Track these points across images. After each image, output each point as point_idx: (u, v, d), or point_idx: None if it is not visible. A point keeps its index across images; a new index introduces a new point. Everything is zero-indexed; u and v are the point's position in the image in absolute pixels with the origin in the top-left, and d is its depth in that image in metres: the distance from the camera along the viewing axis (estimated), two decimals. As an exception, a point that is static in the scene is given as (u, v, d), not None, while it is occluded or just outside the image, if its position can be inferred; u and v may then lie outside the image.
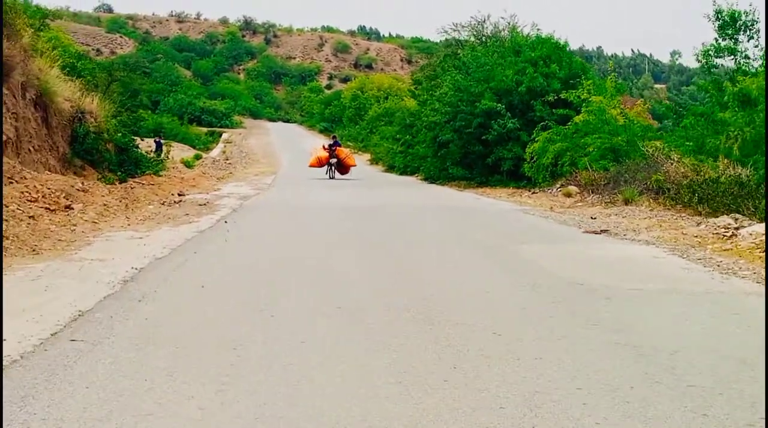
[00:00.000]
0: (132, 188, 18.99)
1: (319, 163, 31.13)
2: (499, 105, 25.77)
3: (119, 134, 24.21)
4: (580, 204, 18.58)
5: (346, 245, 10.40)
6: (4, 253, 8.65)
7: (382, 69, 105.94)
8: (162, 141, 39.72)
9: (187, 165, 36.79)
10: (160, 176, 26.16)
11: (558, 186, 22.80)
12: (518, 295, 7.02)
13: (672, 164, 17.76)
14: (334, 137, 33.26)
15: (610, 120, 22.78)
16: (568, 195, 20.97)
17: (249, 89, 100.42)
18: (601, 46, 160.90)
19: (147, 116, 64.63)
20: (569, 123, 23.60)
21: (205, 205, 16.61)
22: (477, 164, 28.35)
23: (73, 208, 12.61)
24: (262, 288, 7.22)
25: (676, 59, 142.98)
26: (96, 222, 11.93)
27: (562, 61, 26.63)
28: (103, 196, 14.64)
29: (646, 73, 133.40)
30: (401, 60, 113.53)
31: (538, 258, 9.23)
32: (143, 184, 21.05)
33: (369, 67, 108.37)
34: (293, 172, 35.96)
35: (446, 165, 28.80)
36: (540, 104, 25.53)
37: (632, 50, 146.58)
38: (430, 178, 30.42)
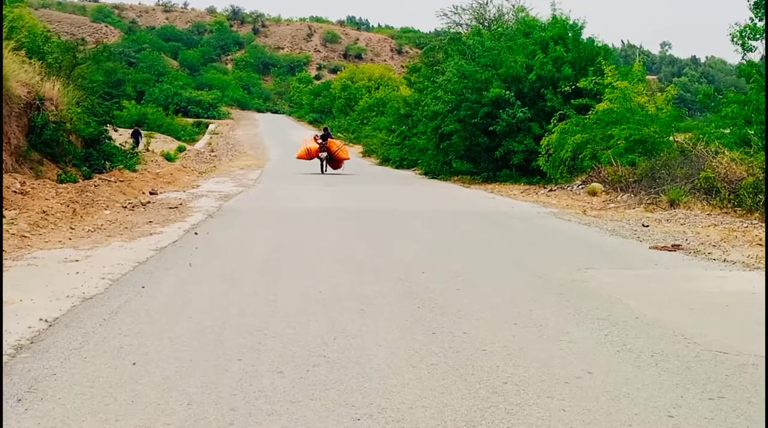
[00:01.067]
0: (95, 187, 16.12)
1: (308, 155, 28.18)
2: (508, 92, 23.00)
3: (85, 124, 21.43)
4: (612, 205, 15.85)
5: (354, 286, 6.87)
6: None
7: (372, 59, 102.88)
8: (141, 132, 36.73)
9: (168, 158, 33.90)
10: (134, 171, 23.42)
11: (578, 183, 20.09)
12: (645, 378, 4.27)
13: (721, 159, 15.06)
14: (325, 129, 30.32)
15: (636, 109, 20.04)
16: (593, 193, 18.26)
17: (237, 80, 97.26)
18: (592, 36, 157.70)
19: (130, 106, 61.98)
20: (590, 112, 20.85)
21: (177, 208, 13.80)
22: (482, 157, 25.66)
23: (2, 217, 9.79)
24: (232, 368, 4.44)
25: (666, 50, 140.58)
26: (26, 237, 9.10)
27: (574, 43, 23.84)
28: (48, 199, 11.78)
29: (638, 63, 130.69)
30: (391, 50, 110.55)
31: (624, 296, 6.49)
32: (110, 181, 18.19)
33: (359, 57, 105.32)
34: (281, 166, 33.10)
35: (449, 158, 26.04)
36: (551, 93, 22.77)
37: (622, 41, 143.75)
38: (431, 173, 27.66)
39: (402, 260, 8.50)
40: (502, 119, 23.01)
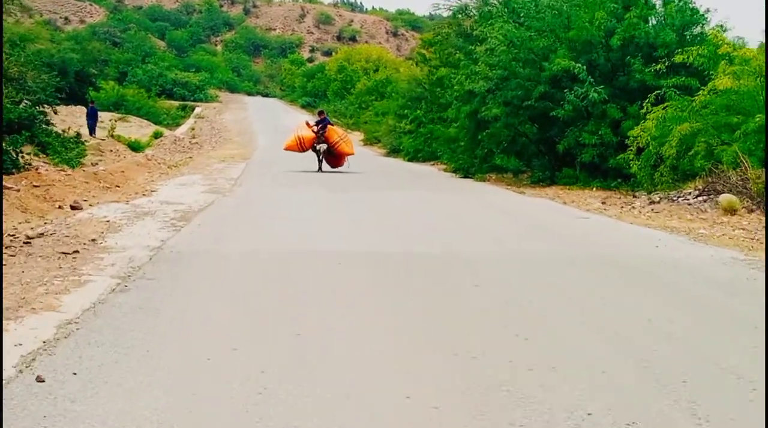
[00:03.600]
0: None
1: (299, 146, 21.36)
2: (578, 65, 16.53)
3: (12, 103, 15.39)
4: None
5: None
6: None
7: (366, 41, 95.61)
8: (97, 110, 30.01)
9: (134, 147, 27.30)
10: (74, 167, 17.05)
11: (692, 191, 13.72)
12: None
13: None
14: (321, 113, 23.39)
15: (773, 87, 13.65)
16: (730, 210, 11.94)
17: (226, 61, 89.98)
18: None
19: (108, 88, 55.17)
20: (699, 93, 14.46)
21: (76, 253, 7.32)
22: (528, 151, 19.30)
23: None
24: None
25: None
26: None
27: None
28: None
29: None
30: (387, 32, 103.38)
31: None
32: (14, 188, 11.73)
33: (353, 39, 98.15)
34: (270, 157, 26.46)
35: (487, 152, 19.60)
36: (640, 64, 16.34)
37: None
38: (462, 170, 21.15)
39: None
40: (567, 101, 16.58)
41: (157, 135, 35.58)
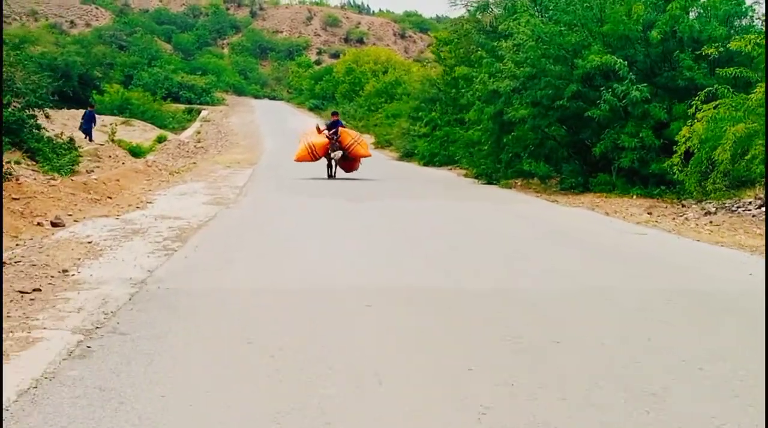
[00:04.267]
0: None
1: (311, 155, 19.54)
2: (619, 60, 14.92)
3: None
4: None
5: None
6: None
7: (374, 44, 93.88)
8: (95, 115, 28.59)
9: (136, 152, 25.85)
10: (66, 175, 15.62)
11: (755, 201, 12.14)
12: None
13: None
14: (335, 115, 21.45)
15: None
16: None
17: (233, 64, 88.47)
18: None
19: (112, 91, 53.81)
20: (755, 88, 12.87)
21: (36, 292, 5.78)
22: (556, 156, 17.75)
23: None
24: None
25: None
26: None
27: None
28: None
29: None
30: (394, 34, 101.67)
31: None
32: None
33: (360, 41, 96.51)
34: (278, 161, 24.95)
35: (512, 156, 18.03)
36: (690, 59, 14.75)
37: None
38: (484, 176, 19.56)
39: None
40: (603, 100, 14.99)
41: (160, 139, 34.08)
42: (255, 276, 6.82)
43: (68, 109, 47.50)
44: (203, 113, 58.89)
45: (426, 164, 26.43)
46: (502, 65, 16.81)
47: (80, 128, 25.59)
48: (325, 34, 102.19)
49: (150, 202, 12.77)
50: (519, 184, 18.04)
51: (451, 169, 24.19)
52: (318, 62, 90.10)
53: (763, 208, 11.67)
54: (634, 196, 14.84)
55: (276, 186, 17.08)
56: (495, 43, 18.54)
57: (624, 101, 14.83)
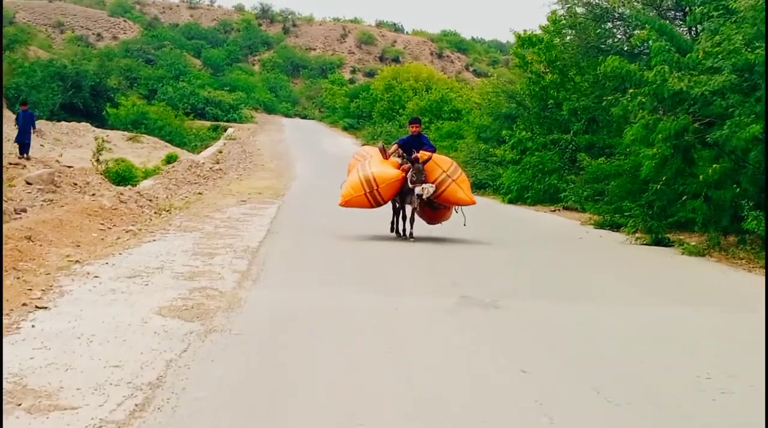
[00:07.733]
0: None
1: (371, 199, 11.64)
2: None
3: None
4: None
5: None
6: None
7: (410, 63, 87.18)
8: (35, 117, 21.31)
9: (125, 177, 18.72)
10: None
11: None
12: None
13: None
14: (414, 124, 12.60)
15: None
16: None
17: (264, 81, 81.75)
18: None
19: (128, 104, 47.16)
20: None
21: None
22: None
23: None
24: None
25: None
26: None
27: None
28: None
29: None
30: (431, 53, 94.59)
31: None
32: None
33: (396, 60, 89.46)
34: (312, 195, 17.60)
35: (714, 206, 10.51)
36: None
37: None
38: (647, 232, 11.93)
39: None
40: None
41: (170, 159, 26.99)
42: None
43: (78, 121, 40.94)
44: (229, 131, 52.07)
45: (512, 201, 18.94)
46: (708, 47, 9.30)
47: (16, 139, 18.48)
48: (359, 52, 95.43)
49: (29, 314, 5.41)
50: (716, 253, 10.44)
51: (554, 211, 16.71)
52: (352, 81, 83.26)
53: None
54: None
55: (311, 250, 9.67)
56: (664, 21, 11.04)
57: None
